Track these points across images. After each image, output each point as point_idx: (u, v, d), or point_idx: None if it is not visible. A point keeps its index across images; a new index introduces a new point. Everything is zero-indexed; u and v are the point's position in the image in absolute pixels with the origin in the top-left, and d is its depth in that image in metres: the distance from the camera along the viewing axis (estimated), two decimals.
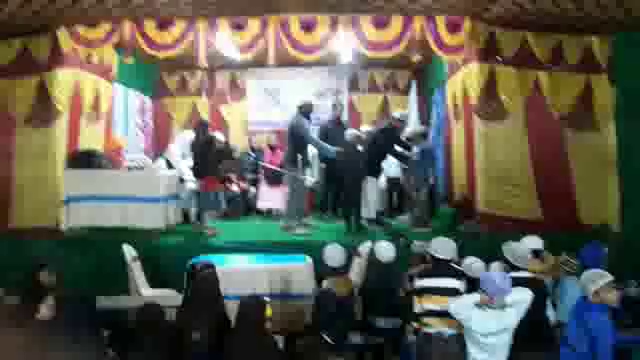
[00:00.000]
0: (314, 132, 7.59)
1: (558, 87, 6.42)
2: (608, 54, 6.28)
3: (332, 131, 7.82)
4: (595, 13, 5.80)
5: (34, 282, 4.40)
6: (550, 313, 4.14)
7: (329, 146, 7.11)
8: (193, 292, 3.98)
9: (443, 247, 4.27)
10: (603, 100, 6.33)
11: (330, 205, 8.20)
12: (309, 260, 5.54)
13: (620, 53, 6.14)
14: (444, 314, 3.84)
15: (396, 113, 7.77)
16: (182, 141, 7.86)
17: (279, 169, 7.65)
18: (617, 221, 6.11)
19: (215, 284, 3.99)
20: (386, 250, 4.98)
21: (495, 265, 4.48)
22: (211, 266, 4.19)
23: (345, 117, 8.25)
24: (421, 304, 4.04)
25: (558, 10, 5.81)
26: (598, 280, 3.48)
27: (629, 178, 6.09)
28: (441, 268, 4.17)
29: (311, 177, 7.84)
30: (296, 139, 7.00)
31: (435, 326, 3.91)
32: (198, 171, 6.93)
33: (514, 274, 3.93)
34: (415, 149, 7.28)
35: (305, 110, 7.12)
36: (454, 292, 3.96)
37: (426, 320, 3.98)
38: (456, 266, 4.37)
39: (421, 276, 4.19)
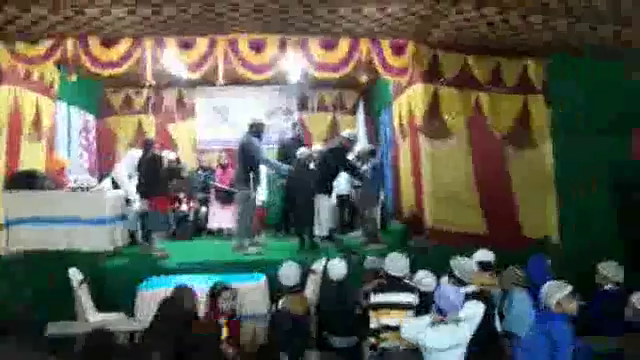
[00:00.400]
0: (272, 151, 7.69)
1: (498, 107, 6.73)
2: (543, 76, 6.67)
3: (292, 150, 7.89)
4: (529, 38, 6.17)
5: None
6: (497, 324, 4.27)
7: (282, 164, 7.16)
8: (157, 312, 3.89)
9: (396, 264, 4.40)
10: (540, 119, 6.68)
11: (283, 223, 8.23)
12: (263, 279, 5.52)
13: (555, 75, 6.52)
14: (399, 328, 3.92)
15: (345, 133, 7.94)
16: (129, 160, 7.70)
17: (230, 188, 7.60)
18: (556, 234, 6.44)
19: (181, 305, 3.92)
20: (337, 267, 5.01)
21: (445, 279, 4.62)
22: (184, 287, 4.14)
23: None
24: (377, 319, 4.12)
25: (495, 36, 6.14)
26: (561, 290, 3.60)
27: (565, 193, 6.43)
28: (395, 284, 4.29)
29: (260, 196, 7.85)
30: (247, 158, 7.00)
31: (390, 341, 3.99)
32: (145, 191, 6.79)
33: (463, 289, 4.04)
34: (365, 167, 7.45)
35: (256, 129, 7.15)
36: (409, 307, 4.06)
37: (383, 335, 4.05)
38: (408, 281, 4.49)
39: (376, 292, 4.28)
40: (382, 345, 4.04)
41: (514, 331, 4.28)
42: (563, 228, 6.38)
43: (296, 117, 9.67)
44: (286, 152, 7.97)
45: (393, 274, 4.36)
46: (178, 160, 8.20)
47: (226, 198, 8.07)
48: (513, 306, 4.55)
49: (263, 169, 7.69)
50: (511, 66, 6.69)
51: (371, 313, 4.23)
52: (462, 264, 4.31)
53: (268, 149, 8.02)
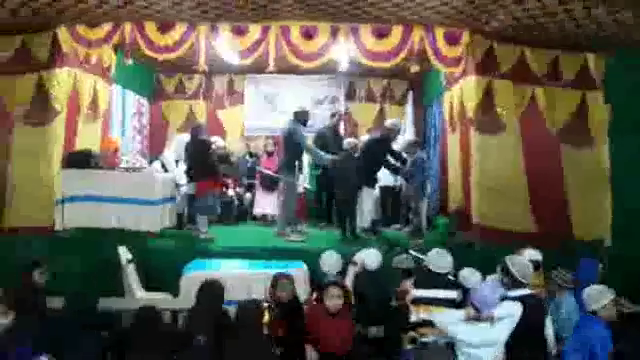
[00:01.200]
0: (309, 139, 7.68)
1: (554, 102, 6.50)
2: (603, 72, 6.38)
3: (329, 139, 7.88)
4: (592, 31, 5.90)
5: (27, 282, 4.40)
6: (550, 332, 4.04)
7: (324, 154, 7.16)
8: (199, 297, 3.99)
9: (439, 260, 4.34)
10: (597, 117, 6.42)
11: (324, 213, 8.23)
12: (304, 267, 5.55)
13: (615, 71, 6.24)
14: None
15: (388, 122, 7.84)
16: (177, 144, 7.86)
17: (275, 175, 7.67)
18: (609, 236, 6.17)
19: (220, 291, 4.01)
20: (372, 257, 4.98)
21: (492, 277, 4.49)
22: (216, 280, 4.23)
23: (342, 126, 8.35)
24: (417, 313, 4.08)
25: (556, 27, 5.90)
26: (606, 296, 3.64)
27: (621, 194, 6.17)
28: (437, 280, 4.23)
29: (306, 184, 7.88)
30: (291, 146, 7.05)
31: (430, 336, 3.94)
32: (193, 175, 6.93)
33: (516, 292, 3.86)
34: (408, 159, 7.37)
35: (301, 117, 7.22)
36: (450, 303, 3.99)
37: (422, 330, 4.01)
38: (452, 278, 4.41)
39: (417, 286, 4.22)
40: (422, 339, 3.99)
41: (565, 335, 4.13)
42: (616, 232, 6.10)
43: (337, 107, 9.57)
44: (323, 142, 7.93)
45: (436, 270, 4.28)
46: (225, 148, 8.35)
47: (270, 185, 8.15)
48: (562, 310, 4.40)
49: (306, 158, 7.72)
50: (570, 60, 6.45)
51: (412, 307, 4.18)
52: (523, 264, 4.00)
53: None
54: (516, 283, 3.89)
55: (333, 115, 8.33)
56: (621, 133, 6.25)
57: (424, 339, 3.97)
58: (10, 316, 3.82)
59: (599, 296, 3.67)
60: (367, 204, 7.45)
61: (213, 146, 7.27)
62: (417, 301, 4.16)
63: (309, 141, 7.79)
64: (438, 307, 4.05)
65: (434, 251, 4.48)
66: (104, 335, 3.83)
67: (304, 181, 7.86)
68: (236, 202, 8.65)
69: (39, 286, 4.59)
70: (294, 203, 7.26)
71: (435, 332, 3.93)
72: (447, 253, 4.44)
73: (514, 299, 3.75)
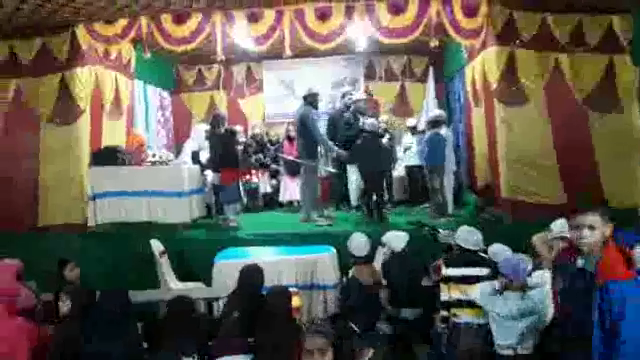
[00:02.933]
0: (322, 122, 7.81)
1: (579, 69, 6.31)
2: (630, 33, 6.15)
3: (340, 121, 7.84)
4: None
5: (60, 277, 4.53)
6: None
7: (334, 147, 7.14)
8: (238, 282, 4.06)
9: (469, 238, 4.29)
10: (626, 81, 6.22)
11: (341, 196, 8.20)
12: (333, 250, 5.57)
13: None
14: (471, 303, 3.84)
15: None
16: (196, 134, 7.97)
17: (296, 159, 7.64)
18: None
19: (257, 276, 4.06)
20: (397, 239, 4.95)
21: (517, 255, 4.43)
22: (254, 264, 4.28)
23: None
24: (449, 292, 4.05)
25: None
26: None
27: None
28: (468, 257, 4.19)
29: (328, 167, 7.84)
30: (305, 130, 7.02)
31: (463, 316, 3.92)
32: (217, 164, 6.98)
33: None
34: (425, 136, 7.30)
35: (311, 100, 7.14)
36: (481, 280, 3.95)
37: (454, 310, 3.99)
38: (482, 254, 4.36)
39: (447, 264, 4.19)
40: (454, 320, 3.97)
41: None
42: None
43: (347, 88, 9.42)
44: (334, 123, 7.89)
45: (466, 247, 4.24)
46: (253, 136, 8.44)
47: (294, 170, 8.15)
48: None
49: None
50: (595, 24, 6.23)
51: (442, 286, 4.16)
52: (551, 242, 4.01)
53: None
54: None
55: (343, 96, 8.20)
56: None
57: (456, 320, 3.95)
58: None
59: None
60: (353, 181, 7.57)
61: (237, 135, 7.31)
62: (448, 280, 4.13)
63: (322, 124, 7.90)
64: (470, 285, 4.01)
65: (463, 228, 4.43)
66: (140, 326, 3.91)
67: (325, 164, 7.81)
68: (262, 189, 8.71)
69: (72, 282, 4.69)
70: (316, 187, 7.26)
71: (468, 313, 3.91)
72: (476, 230, 4.38)
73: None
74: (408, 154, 7.90)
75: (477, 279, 3.97)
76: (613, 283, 2.57)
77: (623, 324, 2.48)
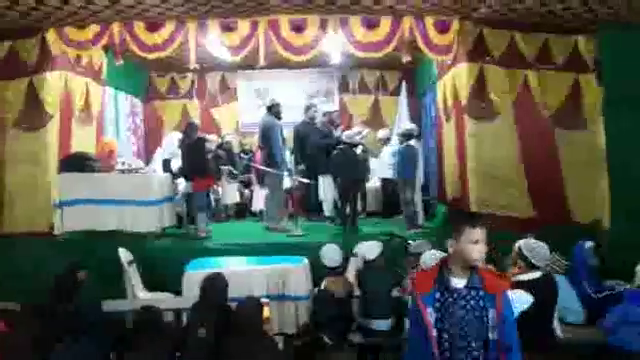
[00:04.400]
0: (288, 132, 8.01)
1: (547, 86, 6.49)
2: (595, 53, 6.38)
3: (306, 134, 7.98)
4: (580, 13, 5.90)
5: (73, 281, 4.55)
6: (556, 315, 4.03)
7: (284, 160, 7.28)
8: (201, 292, 4.00)
9: (431, 258, 4.24)
10: (591, 98, 6.42)
11: (313, 206, 8.23)
12: (305, 261, 5.56)
13: (607, 51, 6.24)
14: None
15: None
16: (168, 142, 7.90)
17: (261, 167, 7.59)
18: (607, 218, 6.20)
19: (223, 287, 4.02)
20: (370, 249, 4.96)
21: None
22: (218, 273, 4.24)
23: (318, 119, 8.37)
24: None
25: (545, 10, 5.91)
26: None
27: (617, 175, 6.17)
28: None
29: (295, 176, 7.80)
30: (268, 140, 7.13)
31: None
32: (189, 173, 6.92)
33: (529, 275, 3.88)
34: (397, 149, 7.41)
35: (274, 110, 7.23)
36: None
37: None
38: None
39: None
40: None
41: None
42: (613, 212, 6.12)
43: (314, 100, 9.40)
44: (301, 136, 8.01)
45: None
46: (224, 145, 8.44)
47: (263, 180, 8.13)
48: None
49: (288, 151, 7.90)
50: (561, 43, 6.46)
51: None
52: (537, 247, 3.98)
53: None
54: (533, 267, 3.92)
55: (308, 108, 8.25)
56: (615, 114, 6.24)
57: None
58: None
59: None
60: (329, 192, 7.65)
61: (207, 144, 7.27)
62: None
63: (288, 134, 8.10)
64: None
65: (427, 254, 4.35)
66: (106, 336, 3.83)
67: (293, 174, 7.80)
68: (230, 200, 8.67)
69: (82, 285, 4.66)
70: (279, 196, 7.28)
71: None
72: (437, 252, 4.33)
73: (526, 283, 3.76)
74: (380, 165, 7.98)
75: None
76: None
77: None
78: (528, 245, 4.00)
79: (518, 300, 3.58)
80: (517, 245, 4.06)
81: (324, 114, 8.07)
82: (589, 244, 4.84)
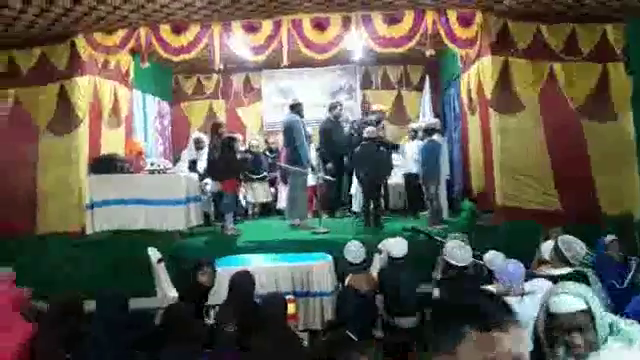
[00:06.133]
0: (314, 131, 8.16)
1: (574, 78, 6.39)
2: (623, 42, 6.22)
3: (332, 131, 8.06)
4: (608, 1, 5.76)
5: (194, 282, 4.55)
6: None
7: (306, 155, 7.26)
8: (229, 290, 4.07)
9: (457, 254, 4.19)
10: (620, 88, 6.29)
11: (337, 203, 8.28)
12: (330, 258, 5.60)
13: (634, 40, 6.08)
14: None
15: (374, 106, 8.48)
16: (193, 143, 8.08)
17: (285, 166, 7.65)
18: (638, 209, 6.05)
19: (251, 284, 4.07)
20: (396, 245, 4.96)
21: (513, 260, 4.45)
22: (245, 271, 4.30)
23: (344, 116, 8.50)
24: None
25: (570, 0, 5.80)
26: None
27: None
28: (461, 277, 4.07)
29: (320, 174, 7.84)
30: (291, 138, 7.19)
31: None
32: (218, 173, 7.02)
33: (559, 270, 3.86)
34: (420, 144, 7.37)
35: (297, 109, 7.31)
36: None
37: None
38: (476, 264, 4.33)
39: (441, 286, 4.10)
40: None
41: None
42: None
43: (339, 98, 9.45)
44: (327, 135, 8.08)
45: (457, 264, 4.14)
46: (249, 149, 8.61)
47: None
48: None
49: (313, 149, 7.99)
50: (588, 33, 6.33)
51: None
52: (574, 245, 3.95)
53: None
54: (563, 261, 3.91)
55: (333, 107, 8.28)
56: None
57: None
58: None
59: None
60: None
61: (236, 144, 7.35)
62: None
63: (314, 132, 8.27)
64: None
65: (450, 244, 4.28)
66: (135, 334, 3.92)
67: (319, 173, 7.83)
68: (256, 199, 8.77)
69: (204, 285, 4.59)
70: (304, 195, 7.34)
71: None
72: (462, 244, 4.26)
73: (553, 277, 3.72)
74: (404, 161, 7.97)
75: None
76: None
77: None
78: (566, 241, 3.97)
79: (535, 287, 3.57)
80: (558, 239, 4.03)
81: (373, 113, 8.14)
82: (610, 237, 4.75)
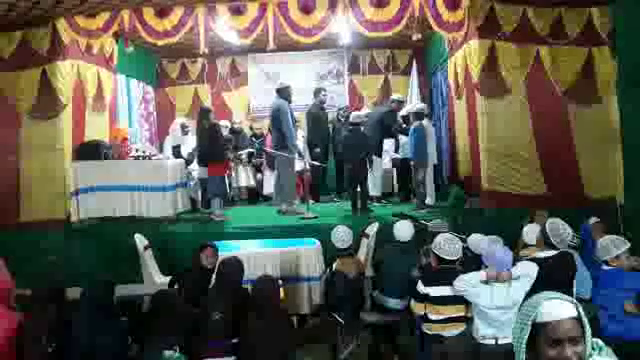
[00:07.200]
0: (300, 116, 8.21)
1: (560, 62, 6.39)
2: (609, 25, 6.24)
3: (319, 116, 8.13)
4: None
5: (196, 265, 4.54)
6: (573, 291, 3.87)
7: (293, 140, 7.22)
8: (217, 276, 4.06)
9: (447, 247, 3.98)
10: (605, 72, 6.30)
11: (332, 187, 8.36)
12: (317, 243, 5.61)
13: (620, 24, 6.09)
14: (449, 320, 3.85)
15: (394, 96, 8.14)
16: (175, 128, 8.11)
17: (272, 151, 7.61)
18: (621, 193, 6.12)
19: (239, 270, 4.06)
20: (404, 229, 4.89)
21: (490, 238, 4.46)
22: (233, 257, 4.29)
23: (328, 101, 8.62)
24: (425, 312, 3.92)
25: None
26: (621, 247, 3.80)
27: (632, 150, 6.07)
28: (447, 272, 3.88)
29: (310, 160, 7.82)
30: (278, 123, 7.15)
31: (442, 331, 3.88)
32: (203, 158, 6.98)
33: (545, 253, 3.89)
34: (410, 129, 7.41)
35: (284, 93, 7.25)
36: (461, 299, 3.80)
37: (433, 327, 3.91)
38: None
39: (426, 282, 3.95)
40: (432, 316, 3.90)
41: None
42: (628, 188, 6.03)
43: (325, 84, 9.47)
44: (314, 119, 8.13)
45: (446, 257, 3.95)
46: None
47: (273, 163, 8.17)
48: None
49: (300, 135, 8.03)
50: (574, 16, 6.31)
51: (417, 304, 4.00)
52: (561, 230, 3.94)
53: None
54: (549, 245, 3.94)
55: (318, 92, 8.25)
56: (630, 88, 6.09)
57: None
58: None
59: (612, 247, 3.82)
60: (378, 174, 7.74)
61: (222, 129, 7.32)
62: (424, 298, 3.92)
63: (301, 117, 8.33)
64: (454, 305, 3.84)
65: (440, 237, 4.08)
66: (123, 321, 3.92)
67: (307, 158, 7.81)
68: (244, 183, 8.74)
69: (207, 267, 4.56)
70: (291, 180, 7.33)
71: (449, 328, 3.86)
72: (456, 238, 4.10)
73: (542, 260, 3.76)
74: (391, 146, 8.02)
75: (459, 298, 3.78)
76: None
77: None
78: (554, 226, 3.99)
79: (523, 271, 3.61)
80: (546, 222, 4.07)
81: (392, 101, 8.07)
82: (593, 220, 4.81)
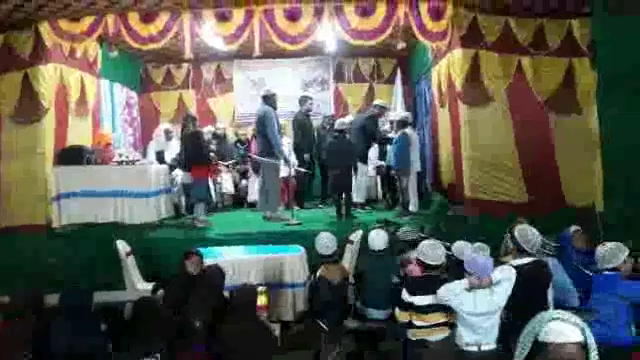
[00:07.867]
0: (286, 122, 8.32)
1: (541, 71, 6.50)
2: (589, 37, 6.37)
3: (305, 123, 8.20)
4: None
5: (182, 271, 4.50)
6: (550, 298, 3.93)
7: (279, 146, 7.24)
8: (198, 284, 4.04)
9: (432, 252, 4.02)
10: (585, 83, 6.42)
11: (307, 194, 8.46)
12: (302, 249, 5.61)
13: (600, 35, 6.23)
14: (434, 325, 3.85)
15: (377, 101, 8.30)
16: (158, 134, 8.13)
17: (257, 158, 7.61)
18: (601, 201, 6.23)
19: (219, 276, 4.05)
20: (378, 238, 4.90)
21: (477, 245, 4.50)
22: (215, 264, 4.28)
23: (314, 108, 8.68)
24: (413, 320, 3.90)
25: None
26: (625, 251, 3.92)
27: (611, 159, 6.20)
28: (431, 281, 3.88)
29: (296, 167, 7.82)
30: (264, 129, 7.17)
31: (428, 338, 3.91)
32: (187, 164, 6.95)
33: (519, 261, 3.90)
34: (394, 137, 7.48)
35: (270, 100, 7.26)
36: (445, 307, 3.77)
37: (417, 332, 3.91)
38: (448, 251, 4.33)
39: (411, 290, 3.92)
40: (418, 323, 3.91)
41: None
42: (607, 197, 6.15)
43: (310, 91, 9.50)
44: (300, 125, 8.20)
45: (428, 262, 3.99)
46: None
47: (258, 169, 8.17)
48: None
49: (286, 141, 8.04)
50: (555, 27, 6.44)
51: (401, 313, 3.96)
52: (529, 235, 3.94)
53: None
54: (520, 251, 3.95)
55: (304, 100, 8.30)
56: (609, 98, 6.23)
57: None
58: None
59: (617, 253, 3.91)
60: (362, 181, 7.78)
61: (205, 136, 7.31)
62: (409, 307, 3.90)
63: (287, 124, 8.44)
64: (440, 313, 3.83)
65: (424, 243, 4.13)
66: (104, 327, 3.87)
67: (294, 165, 7.81)
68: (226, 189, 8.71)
69: (191, 274, 4.50)
70: (276, 186, 7.34)
71: (433, 333, 3.85)
72: (439, 244, 4.12)
73: (517, 268, 3.79)
74: (375, 154, 8.10)
75: (441, 307, 3.77)
76: None
77: None
78: (522, 232, 4.00)
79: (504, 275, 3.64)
80: (515, 229, 4.04)
81: (374, 106, 8.20)
82: (574, 228, 4.88)
